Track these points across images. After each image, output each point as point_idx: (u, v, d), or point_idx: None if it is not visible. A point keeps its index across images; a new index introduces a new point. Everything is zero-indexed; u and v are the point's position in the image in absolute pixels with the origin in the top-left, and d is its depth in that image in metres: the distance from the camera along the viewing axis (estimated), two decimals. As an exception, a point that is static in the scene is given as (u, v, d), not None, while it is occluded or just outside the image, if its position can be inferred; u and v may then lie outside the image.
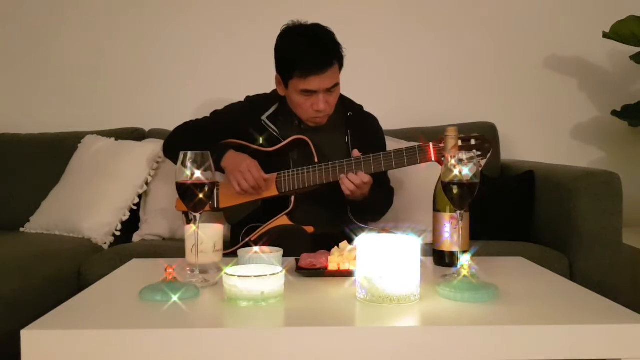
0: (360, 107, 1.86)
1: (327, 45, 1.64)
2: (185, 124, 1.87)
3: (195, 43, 2.59)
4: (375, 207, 1.78)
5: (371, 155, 1.61)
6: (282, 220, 1.67)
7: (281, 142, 1.73)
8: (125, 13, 2.59)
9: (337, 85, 1.68)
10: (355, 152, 1.63)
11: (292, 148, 1.73)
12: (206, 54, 2.59)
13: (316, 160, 1.69)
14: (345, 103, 1.81)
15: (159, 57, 2.59)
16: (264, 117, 1.77)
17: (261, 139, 1.75)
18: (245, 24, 2.58)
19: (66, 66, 2.60)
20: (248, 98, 1.86)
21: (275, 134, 1.75)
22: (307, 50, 1.62)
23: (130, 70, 2.60)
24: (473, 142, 1.49)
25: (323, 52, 1.63)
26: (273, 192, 1.70)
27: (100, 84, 2.60)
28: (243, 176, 1.66)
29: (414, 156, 1.59)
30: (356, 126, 1.79)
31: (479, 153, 1.45)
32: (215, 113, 1.86)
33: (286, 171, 1.70)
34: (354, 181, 1.57)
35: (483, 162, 1.46)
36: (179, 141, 1.81)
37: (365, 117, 1.85)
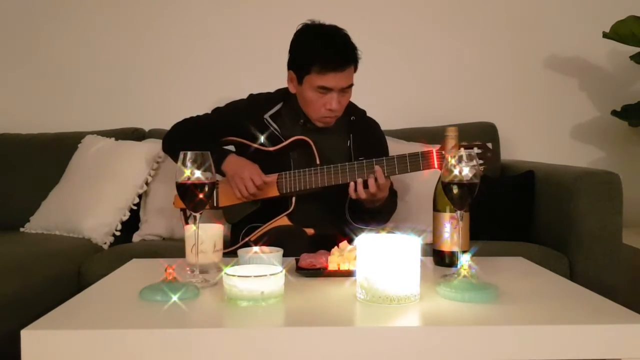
0: (364, 111, 1.86)
1: (346, 45, 1.66)
2: (185, 120, 1.86)
3: (195, 43, 2.59)
4: (383, 212, 1.75)
5: (374, 159, 1.61)
6: (282, 220, 1.67)
7: (282, 141, 1.73)
8: (125, 12, 2.59)
9: (351, 86, 1.68)
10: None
11: (292, 148, 1.73)
12: (207, 54, 2.59)
13: (318, 162, 1.68)
14: (348, 106, 1.81)
15: (160, 57, 2.59)
16: (266, 116, 1.76)
17: (262, 137, 1.74)
18: (246, 24, 2.58)
19: (66, 66, 2.60)
20: (251, 96, 1.85)
21: (276, 133, 1.75)
22: (328, 47, 1.64)
23: (130, 70, 2.60)
24: (476, 150, 1.47)
25: (343, 51, 1.64)
26: (274, 192, 1.70)
27: (101, 84, 2.60)
28: (244, 183, 1.65)
29: (417, 163, 1.59)
30: (359, 131, 1.79)
31: (481, 161, 1.44)
32: (217, 110, 1.85)
33: (288, 172, 1.69)
34: (370, 188, 1.56)
35: (482, 169, 1.44)
36: (178, 138, 1.80)
37: (368, 123, 1.85)
